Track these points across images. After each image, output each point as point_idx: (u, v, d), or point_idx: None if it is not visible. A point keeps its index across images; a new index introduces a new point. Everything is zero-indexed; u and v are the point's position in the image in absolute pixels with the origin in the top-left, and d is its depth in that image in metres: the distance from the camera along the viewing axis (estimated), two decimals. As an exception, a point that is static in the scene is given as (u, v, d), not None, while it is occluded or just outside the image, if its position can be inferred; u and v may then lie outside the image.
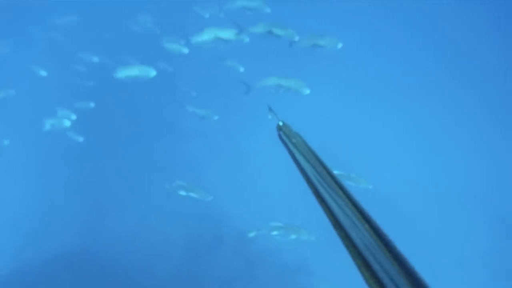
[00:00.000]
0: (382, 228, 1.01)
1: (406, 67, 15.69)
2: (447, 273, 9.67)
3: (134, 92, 12.38)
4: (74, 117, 9.28)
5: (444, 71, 15.56)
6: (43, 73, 11.53)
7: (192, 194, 8.04)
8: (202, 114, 9.98)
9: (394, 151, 12.58)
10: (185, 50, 9.05)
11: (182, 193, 8.02)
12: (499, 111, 14.61)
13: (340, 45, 7.31)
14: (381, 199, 9.15)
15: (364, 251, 0.97)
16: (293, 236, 7.11)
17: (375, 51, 16.01)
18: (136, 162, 11.67)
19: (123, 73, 7.90)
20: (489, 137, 13.75)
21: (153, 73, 8.03)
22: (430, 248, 10.09)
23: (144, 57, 9.45)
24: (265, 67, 8.22)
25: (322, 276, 9.25)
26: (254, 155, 11.88)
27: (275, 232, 7.10)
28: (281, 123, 1.67)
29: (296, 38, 7.10)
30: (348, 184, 7.34)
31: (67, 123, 9.33)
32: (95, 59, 11.86)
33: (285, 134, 1.57)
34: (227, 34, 7.34)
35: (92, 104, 10.58)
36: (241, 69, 9.79)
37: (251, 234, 7.27)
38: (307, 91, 7.20)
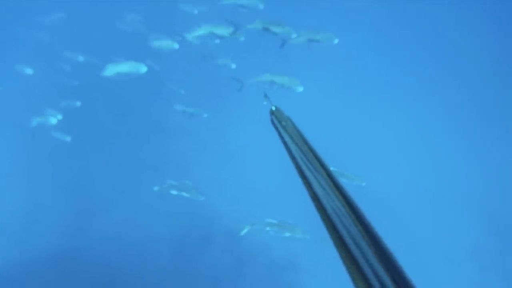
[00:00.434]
0: (364, 212, 1.03)
1: (402, 66, 15.79)
2: (435, 268, 9.79)
3: (122, 91, 12.30)
4: (60, 116, 9.17)
5: (440, 70, 15.68)
6: (29, 71, 11.41)
7: (184, 194, 7.99)
8: (191, 112, 9.95)
9: (385, 148, 12.67)
10: (176, 46, 8.91)
11: (174, 192, 7.97)
12: (491, 110, 14.77)
13: (336, 41, 7.28)
14: (372, 196, 9.23)
15: (344, 234, 0.99)
16: (287, 234, 7.07)
17: (370, 49, 16.09)
18: (124, 161, 11.61)
19: (112, 70, 7.76)
20: (479, 135, 13.91)
21: (144, 69, 7.90)
22: (419, 244, 10.19)
23: (132, 56, 9.41)
24: (257, 64, 8.20)
25: (311, 273, 9.30)
26: (242, 153, 11.89)
27: (268, 228, 7.09)
28: (273, 108, 1.72)
29: (294, 35, 7.07)
30: (342, 181, 7.40)
31: (54, 120, 9.22)
32: (81, 58, 11.76)
33: (277, 118, 1.62)
34: (223, 30, 7.29)
35: (78, 103, 10.50)
36: (233, 66, 9.73)
37: (245, 230, 7.23)
38: (301, 89, 7.18)
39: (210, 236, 9.87)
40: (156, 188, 8.18)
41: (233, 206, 9.96)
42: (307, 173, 1.23)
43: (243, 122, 12.71)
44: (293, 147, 1.39)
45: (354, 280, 0.93)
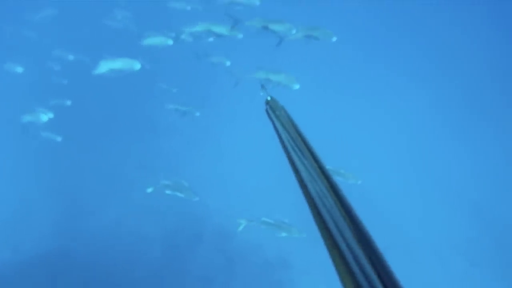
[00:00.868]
0: (346, 196, 1.07)
1: (398, 65, 15.85)
2: (426, 264, 9.86)
3: (112, 89, 12.23)
4: (51, 114, 9.05)
5: (433, 69, 15.76)
6: (19, 69, 11.30)
7: (178, 194, 7.93)
8: (183, 111, 9.90)
9: (376, 146, 12.69)
10: (170, 42, 8.76)
11: (168, 192, 7.90)
12: (482, 108, 14.87)
13: (334, 38, 7.25)
14: (363, 193, 9.27)
15: (326, 216, 1.03)
16: (284, 234, 7.00)
17: (364, 47, 16.12)
18: (114, 160, 11.55)
19: (105, 67, 7.64)
20: (470, 133, 14.01)
21: (137, 66, 7.78)
22: (409, 240, 10.27)
23: (122, 54, 9.34)
24: (252, 61, 8.16)
25: (302, 271, 9.32)
26: (233, 151, 11.87)
27: (264, 227, 7.05)
28: (269, 98, 1.76)
29: (293, 31, 7.03)
30: (337, 180, 7.40)
31: (45, 117, 9.10)
32: (71, 57, 11.66)
33: (271, 108, 1.66)
34: (220, 28, 7.22)
35: (68, 102, 10.41)
36: (228, 63, 9.64)
37: (242, 226, 7.18)
38: (297, 86, 7.14)
39: (202, 235, 9.85)
40: (150, 189, 8.12)
41: (224, 205, 9.95)
42: (295, 158, 1.27)
43: (234, 121, 12.70)
44: (284, 134, 1.44)
45: (335, 262, 0.95)
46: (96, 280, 8.88)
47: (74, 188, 10.90)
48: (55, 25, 13.73)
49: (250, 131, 12.29)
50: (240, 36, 7.24)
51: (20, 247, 9.70)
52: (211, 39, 7.46)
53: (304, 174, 1.19)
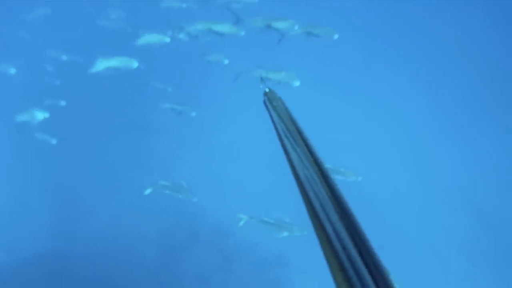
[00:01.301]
0: (334, 181, 1.10)
1: (397, 64, 15.84)
2: (424, 261, 9.89)
3: (106, 89, 12.19)
4: (47, 114, 8.96)
5: (434, 68, 15.77)
6: (13, 70, 11.23)
7: (177, 195, 7.88)
8: (179, 110, 9.86)
9: (374, 144, 12.68)
10: (167, 39, 8.65)
11: (167, 193, 7.85)
12: (481, 106, 14.91)
13: (336, 36, 7.23)
14: (362, 191, 9.29)
15: (314, 201, 1.07)
16: (285, 233, 6.90)
17: (365, 46, 16.13)
18: (108, 160, 11.51)
19: (102, 65, 7.56)
20: (469, 131, 14.03)
21: (135, 64, 7.72)
22: (408, 238, 10.31)
23: (116, 54, 9.29)
24: (251, 60, 8.15)
25: (299, 268, 9.33)
26: (227, 150, 11.85)
27: (264, 226, 6.96)
28: (267, 90, 1.81)
29: (296, 27, 6.99)
30: (337, 179, 7.39)
31: (40, 115, 9.01)
32: (65, 57, 11.60)
33: (269, 99, 1.72)
34: (222, 27, 7.16)
35: (63, 103, 10.36)
36: (226, 62, 9.58)
37: (242, 222, 7.10)
38: (297, 83, 7.11)
39: (198, 235, 9.84)
40: (148, 191, 8.08)
41: (219, 204, 9.93)
42: (289, 147, 1.32)
43: (228, 119, 12.68)
44: (279, 124, 1.49)
45: (321, 244, 0.99)
46: (92, 280, 8.86)
47: (69, 188, 10.86)
48: (48, 25, 13.65)
49: (245, 129, 12.28)
50: (242, 33, 7.18)
51: (16, 248, 9.66)
52: (208, 37, 7.43)
53: (296, 161, 1.24)
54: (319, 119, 11.87)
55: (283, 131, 1.42)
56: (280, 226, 6.92)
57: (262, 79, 2.09)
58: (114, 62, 7.56)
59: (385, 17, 17.34)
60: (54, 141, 10.22)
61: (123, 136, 12.19)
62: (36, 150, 11.19)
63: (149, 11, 14.20)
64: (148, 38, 8.60)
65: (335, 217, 1.01)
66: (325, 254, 0.98)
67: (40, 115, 8.87)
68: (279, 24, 6.93)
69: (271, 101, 1.69)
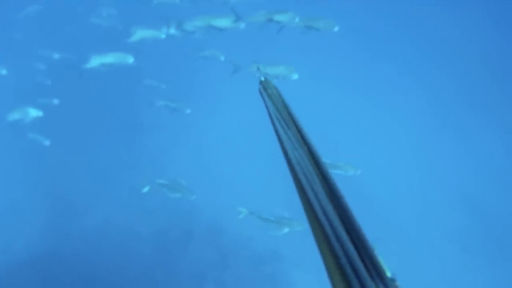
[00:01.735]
0: (322, 161, 1.17)
1: (395, 59, 15.86)
2: (418, 252, 9.97)
3: (99, 88, 12.14)
4: (40, 113, 8.82)
5: (433, 65, 15.82)
6: (3, 71, 11.14)
7: (175, 193, 7.84)
8: (173, 107, 9.81)
9: (368, 137, 12.72)
10: (162, 36, 8.52)
11: (165, 191, 7.81)
12: (475, 100, 14.98)
13: (336, 28, 7.20)
14: (356, 184, 9.32)
15: (303, 181, 1.13)
16: (286, 230, 6.78)
17: (363, 42, 16.14)
18: (101, 158, 11.46)
19: (97, 61, 7.47)
20: (463, 124, 14.11)
21: (130, 59, 7.64)
22: (402, 229, 10.36)
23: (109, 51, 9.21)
24: (247, 54, 8.13)
25: (294, 263, 9.36)
26: (221, 146, 11.83)
27: (262, 222, 6.89)
28: (263, 78, 1.85)
29: (297, 19, 6.98)
30: (336, 173, 7.39)
31: (34, 113, 8.87)
32: (56, 56, 11.52)
33: (264, 87, 1.76)
34: (222, 22, 7.09)
35: (56, 101, 10.29)
36: (222, 58, 9.50)
37: (242, 215, 7.05)
38: (296, 76, 7.09)
39: (192, 232, 9.83)
40: (146, 189, 8.04)
41: (213, 200, 9.93)
42: (281, 131, 1.40)
43: (220, 115, 12.66)
44: (272, 109, 1.56)
45: (309, 219, 1.05)
46: (88, 279, 8.84)
47: (63, 187, 10.82)
48: (39, 24, 13.55)
49: (238, 125, 12.28)
50: (243, 26, 7.11)
51: (11, 248, 9.62)
52: (206, 33, 7.37)
53: (287, 144, 1.31)
54: (316, 113, 11.89)
55: (276, 117, 1.50)
56: (280, 222, 6.83)
57: (258, 68, 2.15)
58: (109, 58, 7.48)
59: (384, 13, 17.35)
60: (47, 142, 10.14)
61: (116, 134, 12.15)
62: (29, 149, 11.13)
63: (141, 8, 14.13)
64: (142, 34, 8.49)
65: (323, 195, 1.07)
66: (313, 230, 1.02)
67: (34, 112, 8.73)
68: (280, 17, 6.91)
69: (266, 89, 1.73)
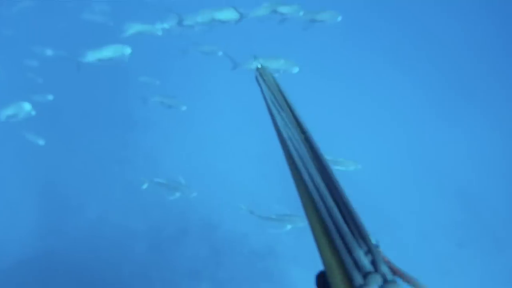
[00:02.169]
0: (318, 146, 1.25)
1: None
2: (412, 246, 10.00)
3: (91, 85, 12.06)
4: (33, 112, 8.67)
5: (423, 57, 15.85)
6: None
7: (174, 193, 7.78)
8: (169, 104, 9.74)
9: (360, 129, 12.70)
10: (159, 32, 8.37)
11: (165, 190, 7.75)
12: (467, 91, 15.00)
13: (339, 18, 7.32)
14: (348, 177, 9.31)
15: (294, 154, 1.22)
16: (289, 226, 6.71)
17: (360, 37, 16.14)
18: (93, 156, 11.38)
19: (93, 56, 7.34)
20: (455, 116, 14.10)
21: (128, 51, 7.50)
22: (396, 223, 10.39)
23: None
24: (244, 49, 8.09)
25: (290, 259, 9.36)
26: (212, 142, 11.78)
27: (266, 222, 6.81)
28: (259, 66, 1.95)
29: (301, 13, 7.00)
30: (338, 169, 7.37)
31: (27, 107, 8.69)
32: (49, 52, 11.42)
33: (260, 74, 1.86)
34: (225, 14, 7.02)
35: (50, 97, 10.16)
36: (220, 53, 9.42)
37: (242, 210, 6.96)
38: (296, 70, 7.08)
39: (186, 229, 9.80)
40: (145, 186, 7.98)
41: (206, 197, 9.89)
42: (275, 113, 1.49)
43: (213, 111, 12.61)
44: (267, 93, 1.67)
45: (299, 191, 1.14)
46: (83, 277, 8.80)
47: (56, 185, 10.75)
48: (31, 20, 13.44)
49: (232, 122, 12.26)
50: (249, 16, 7.04)
51: (3, 247, 9.54)
52: (198, 28, 7.31)
53: (280, 123, 1.40)
54: (309, 107, 11.84)
55: (270, 100, 1.60)
56: (282, 220, 6.75)
57: (255, 57, 2.30)
58: (105, 52, 7.34)
59: (378, 6, 17.34)
60: (42, 142, 10.03)
61: (109, 131, 12.07)
62: (21, 147, 11.03)
63: (134, 4, 14.06)
64: (136, 29, 8.31)
65: (312, 167, 1.15)
66: (301, 199, 1.12)
67: (27, 106, 8.51)
68: (284, 9, 6.92)
69: (262, 75, 1.83)
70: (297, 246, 9.16)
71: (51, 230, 9.85)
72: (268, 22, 7.13)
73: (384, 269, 0.94)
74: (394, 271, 0.97)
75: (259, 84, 1.80)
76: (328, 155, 6.31)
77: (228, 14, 7.06)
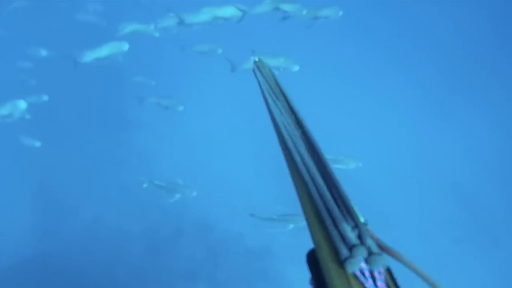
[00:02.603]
0: (309, 130, 1.32)
1: (390, 53, 15.89)
2: (408, 243, 10.02)
3: (85, 86, 12.02)
4: (28, 116, 8.56)
5: (420, 54, 15.87)
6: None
7: (174, 195, 7.74)
8: (165, 105, 9.70)
9: (355, 125, 12.71)
10: (156, 34, 8.30)
11: (163, 192, 7.71)
12: (463, 87, 15.01)
13: (341, 13, 7.41)
14: (343, 173, 9.29)
15: (288, 140, 1.27)
16: (291, 226, 6.66)
17: (358, 35, 16.13)
18: (88, 157, 11.33)
19: (91, 56, 7.28)
20: (450, 112, 14.12)
21: (125, 46, 7.42)
22: (391, 219, 10.41)
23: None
24: (244, 48, 8.09)
25: (286, 258, 9.36)
26: (207, 142, 11.76)
27: (269, 223, 6.77)
28: (257, 59, 2.00)
29: (304, 11, 7.02)
30: (338, 168, 7.36)
31: (23, 105, 8.59)
32: (44, 53, 11.38)
33: (258, 67, 1.92)
34: (227, 12, 6.99)
35: (45, 97, 10.12)
36: (219, 51, 9.37)
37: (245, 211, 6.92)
38: (297, 68, 7.09)
39: (181, 229, 9.78)
40: (144, 185, 7.94)
41: (202, 197, 9.88)
42: (270, 102, 1.56)
43: (208, 112, 12.59)
44: (264, 84, 1.73)
45: (291, 173, 1.19)
46: (78, 278, 8.76)
47: (51, 187, 10.70)
48: (24, 20, 13.36)
49: (227, 122, 12.24)
50: (252, 12, 7.02)
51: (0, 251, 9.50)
52: (197, 27, 7.29)
53: (275, 111, 1.46)
54: (309, 106, 11.82)
55: (267, 90, 1.67)
56: (284, 220, 6.70)
57: (252, 51, 2.39)
58: (103, 50, 7.27)
59: (384, 9, 17.35)
60: (38, 144, 9.96)
61: (104, 132, 12.02)
62: (16, 149, 10.97)
63: (128, 4, 14.02)
64: (132, 29, 8.24)
65: (303, 150, 1.20)
66: (293, 180, 1.16)
67: (23, 105, 8.38)
68: (287, 7, 6.91)
69: (260, 68, 1.90)
70: (293, 246, 9.15)
71: (46, 231, 9.81)
72: (269, 19, 7.14)
73: (369, 242, 0.98)
74: (382, 247, 1.02)
75: (256, 75, 1.85)
76: (328, 154, 6.29)
77: (230, 12, 7.03)
